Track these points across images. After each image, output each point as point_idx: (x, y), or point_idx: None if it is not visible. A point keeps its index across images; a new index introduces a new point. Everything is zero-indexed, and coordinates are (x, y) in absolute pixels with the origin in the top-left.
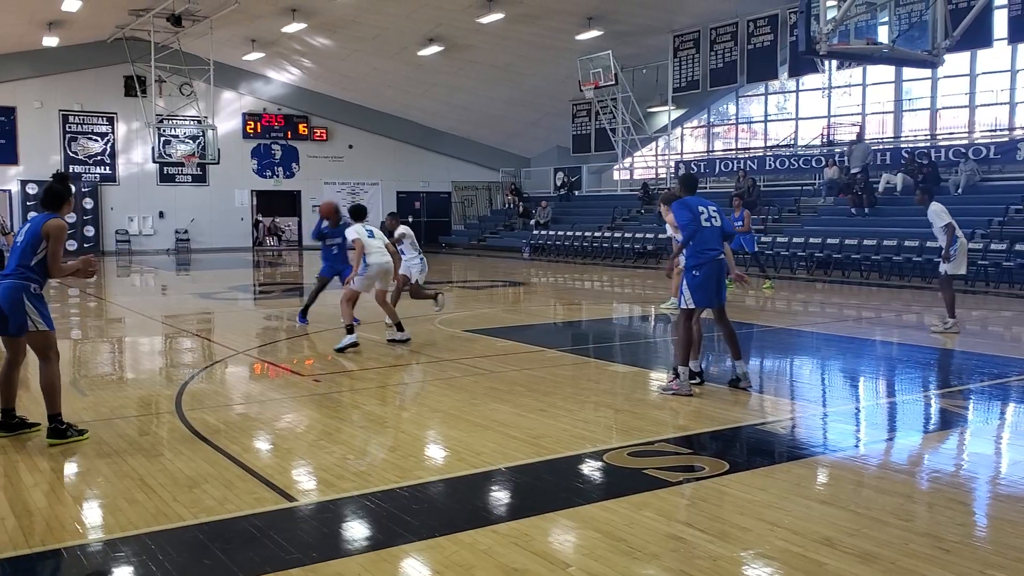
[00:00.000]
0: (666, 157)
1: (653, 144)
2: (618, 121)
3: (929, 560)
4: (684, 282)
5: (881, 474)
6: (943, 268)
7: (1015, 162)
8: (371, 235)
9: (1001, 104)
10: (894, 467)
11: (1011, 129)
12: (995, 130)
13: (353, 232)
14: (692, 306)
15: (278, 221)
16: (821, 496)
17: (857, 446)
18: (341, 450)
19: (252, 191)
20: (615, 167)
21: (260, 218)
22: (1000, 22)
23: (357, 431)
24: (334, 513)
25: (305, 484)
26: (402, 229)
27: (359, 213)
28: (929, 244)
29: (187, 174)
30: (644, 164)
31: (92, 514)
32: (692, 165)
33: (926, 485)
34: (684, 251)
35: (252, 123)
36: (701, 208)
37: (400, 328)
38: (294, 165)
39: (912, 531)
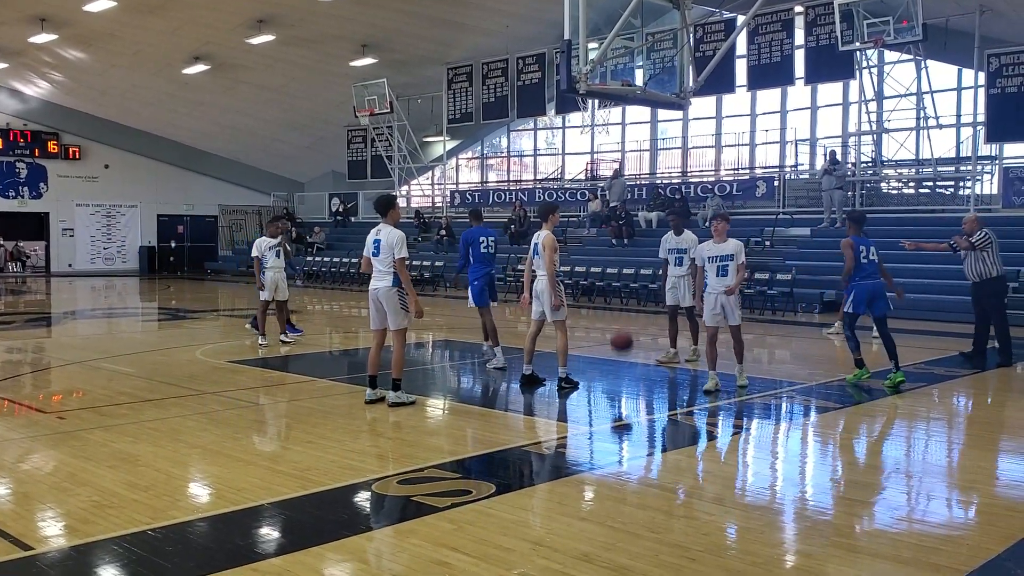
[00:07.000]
0: (442, 186)
1: (429, 173)
2: (394, 149)
3: (676, 569)
4: None
5: (638, 489)
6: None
7: (754, 198)
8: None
9: (743, 145)
10: (649, 482)
11: (751, 168)
12: (738, 169)
13: None
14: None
15: (22, 245)
16: (581, 513)
17: (617, 463)
18: (87, 492)
19: None
20: (392, 194)
21: (2, 242)
22: (741, 71)
23: (106, 471)
24: (77, 560)
25: (45, 531)
26: None
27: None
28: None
29: None
30: (421, 192)
31: None
32: (467, 195)
33: (677, 499)
34: None
35: None
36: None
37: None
38: (42, 185)
39: (662, 543)
